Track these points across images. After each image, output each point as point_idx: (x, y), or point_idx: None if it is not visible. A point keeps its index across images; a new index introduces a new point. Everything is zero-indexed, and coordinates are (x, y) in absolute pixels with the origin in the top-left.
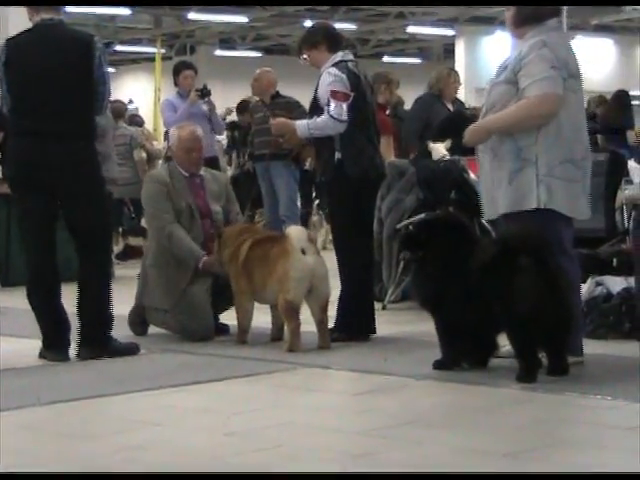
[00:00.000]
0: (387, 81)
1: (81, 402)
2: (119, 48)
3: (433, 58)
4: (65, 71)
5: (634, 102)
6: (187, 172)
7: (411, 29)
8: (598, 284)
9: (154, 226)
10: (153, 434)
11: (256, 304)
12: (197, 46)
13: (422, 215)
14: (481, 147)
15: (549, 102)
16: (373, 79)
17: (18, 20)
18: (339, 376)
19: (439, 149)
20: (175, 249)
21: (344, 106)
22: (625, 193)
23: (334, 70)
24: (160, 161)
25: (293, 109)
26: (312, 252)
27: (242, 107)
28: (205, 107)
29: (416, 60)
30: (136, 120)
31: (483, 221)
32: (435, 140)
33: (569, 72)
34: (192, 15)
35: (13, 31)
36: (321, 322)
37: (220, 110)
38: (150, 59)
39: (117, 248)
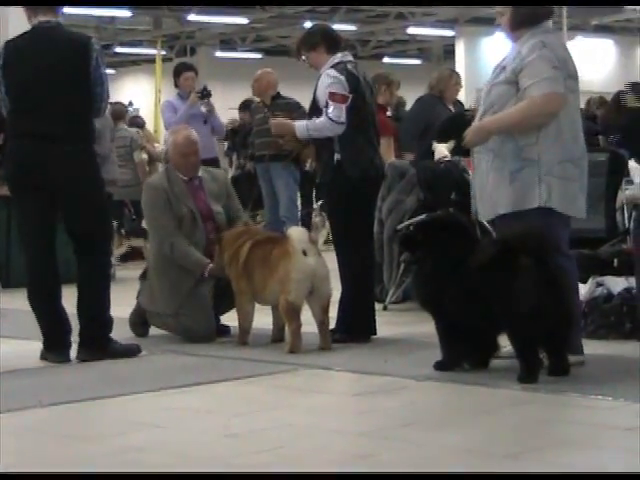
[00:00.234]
0: (387, 82)
1: (82, 403)
2: (119, 50)
3: (433, 59)
4: (63, 73)
5: None
6: (185, 176)
7: (411, 30)
8: (599, 284)
9: (156, 240)
10: (154, 435)
11: (257, 305)
12: (197, 47)
13: (423, 216)
14: (478, 148)
15: (553, 101)
16: (373, 80)
17: (18, 21)
18: (340, 377)
19: (442, 150)
20: (180, 261)
21: (343, 108)
22: (626, 193)
23: (333, 72)
24: (161, 163)
25: (293, 110)
26: (313, 253)
27: (244, 105)
28: (203, 109)
29: (416, 61)
30: (137, 121)
31: (484, 221)
32: (439, 141)
33: (568, 72)
34: (192, 16)
35: (13, 32)
36: (322, 323)
37: (221, 111)
38: (150, 61)
39: (119, 250)
